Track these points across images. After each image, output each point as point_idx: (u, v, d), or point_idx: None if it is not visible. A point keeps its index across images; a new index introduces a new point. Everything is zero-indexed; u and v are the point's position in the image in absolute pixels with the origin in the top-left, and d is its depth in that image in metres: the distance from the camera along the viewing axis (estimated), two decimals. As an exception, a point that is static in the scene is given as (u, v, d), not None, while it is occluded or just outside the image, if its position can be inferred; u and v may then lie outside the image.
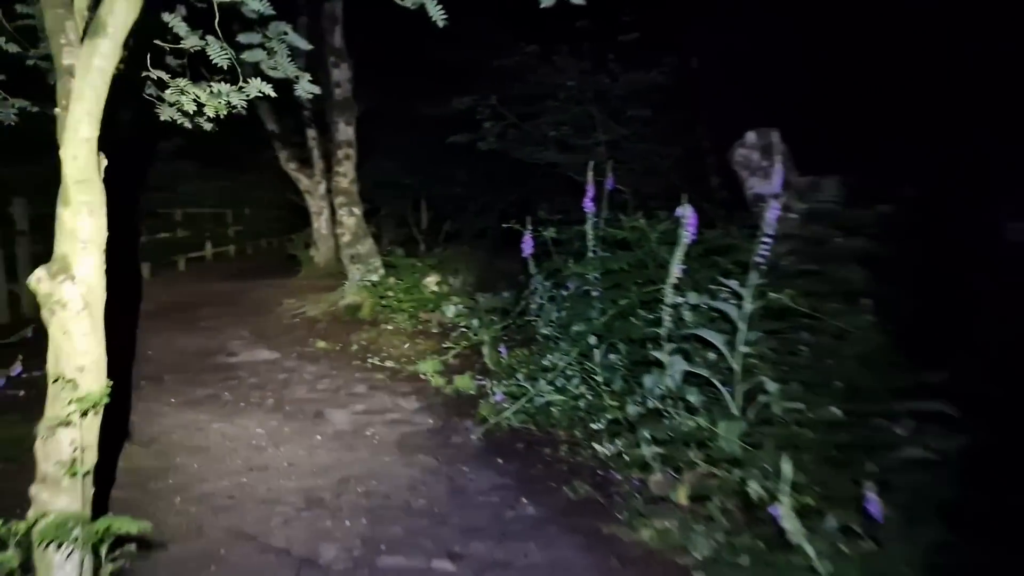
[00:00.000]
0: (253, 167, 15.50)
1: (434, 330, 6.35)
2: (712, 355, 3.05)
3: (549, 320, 4.78)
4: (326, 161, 10.23)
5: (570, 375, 3.95)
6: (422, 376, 4.92)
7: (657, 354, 3.00)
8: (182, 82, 2.53)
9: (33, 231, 6.75)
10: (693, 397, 2.83)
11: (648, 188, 7.52)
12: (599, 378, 3.81)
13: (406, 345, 5.84)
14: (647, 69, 7.46)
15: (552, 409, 3.81)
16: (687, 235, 2.90)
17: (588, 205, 4.11)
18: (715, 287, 3.20)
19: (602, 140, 7.17)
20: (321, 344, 5.93)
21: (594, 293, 4.06)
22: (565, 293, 4.61)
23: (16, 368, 3.99)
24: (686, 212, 2.89)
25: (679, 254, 2.91)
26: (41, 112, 5.73)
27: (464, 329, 5.88)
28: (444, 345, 5.54)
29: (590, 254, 4.13)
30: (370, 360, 5.36)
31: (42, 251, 6.92)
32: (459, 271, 8.14)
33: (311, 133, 10.18)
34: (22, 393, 4.02)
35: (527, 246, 5.05)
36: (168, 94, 2.59)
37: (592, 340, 3.83)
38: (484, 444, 3.58)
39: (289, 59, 3.31)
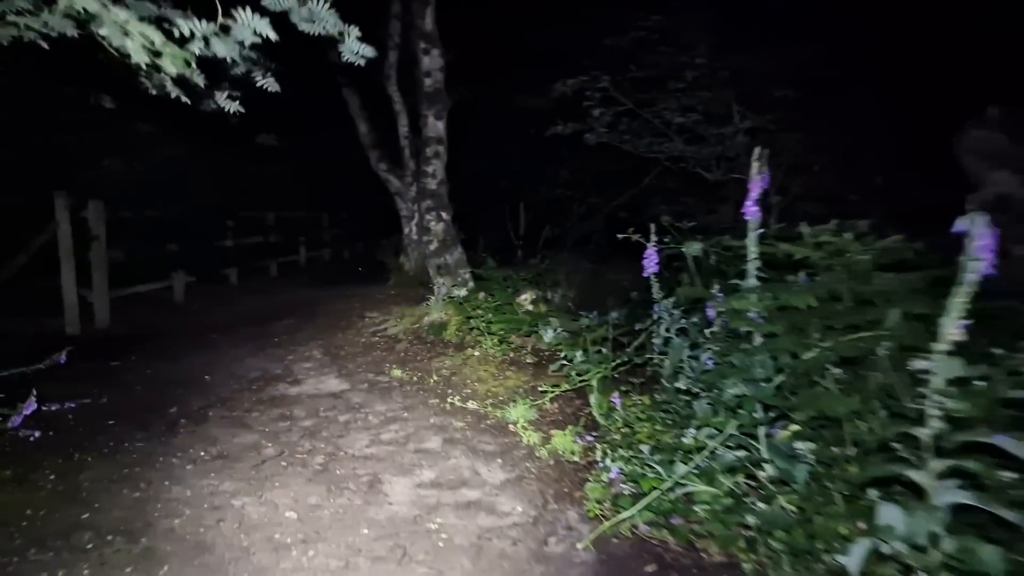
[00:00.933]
0: (352, 169, 15.31)
1: (528, 359, 5.28)
2: (1009, 476, 1.74)
3: (679, 363, 3.58)
4: (417, 161, 9.50)
5: (723, 459, 2.72)
6: (511, 427, 3.86)
7: (911, 473, 1.73)
8: (121, 15, 1.61)
9: (110, 236, 6.39)
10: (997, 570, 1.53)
11: (796, 188, 6.06)
12: (770, 470, 2.57)
13: (494, 379, 4.81)
14: (799, 41, 5.99)
15: (697, 509, 2.61)
16: (978, 266, 1.61)
17: (751, 210, 2.86)
18: (1002, 353, 1.89)
19: (741, 127, 5.80)
20: (397, 372, 5.03)
21: (757, 338, 2.80)
22: (709, 332, 3.37)
23: (30, 404, 3.33)
24: (977, 226, 1.61)
25: (961, 299, 1.63)
26: (121, 107, 5.20)
27: (565, 362, 4.76)
28: (540, 386, 4.45)
29: (751, 280, 2.87)
30: (450, 399, 4.37)
31: (120, 257, 6.52)
32: (558, 284, 7.05)
33: (403, 131, 9.47)
34: (36, 435, 3.36)
35: (650, 262, 3.88)
36: (109, 31, 1.68)
37: (757, 411, 2.59)
38: (596, 561, 2.44)
39: (327, 5, 2.35)
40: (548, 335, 5.49)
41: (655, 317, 4.00)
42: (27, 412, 3.28)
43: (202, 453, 3.33)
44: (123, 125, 6.58)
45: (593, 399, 3.86)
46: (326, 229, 13.78)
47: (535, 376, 4.81)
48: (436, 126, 7.06)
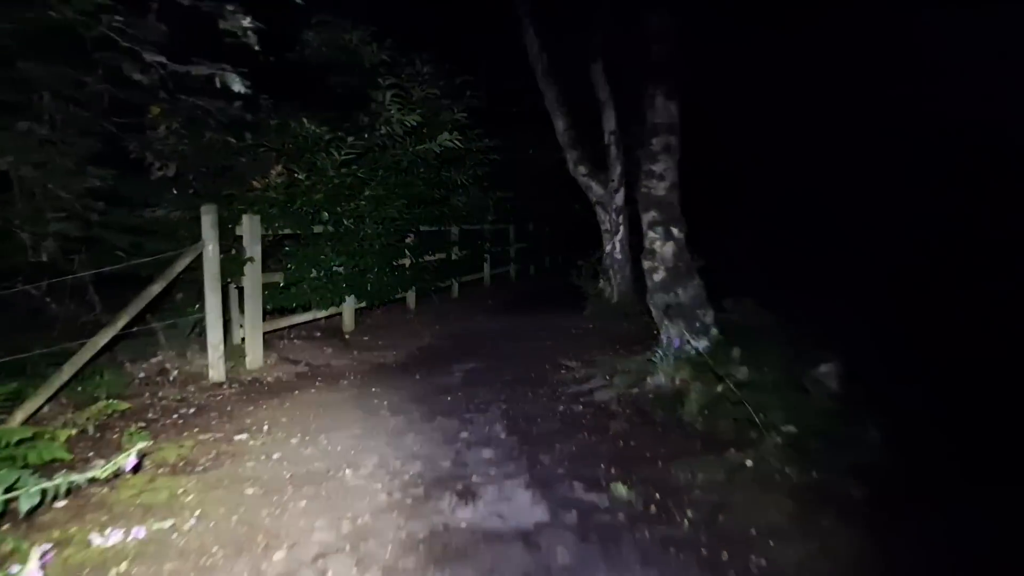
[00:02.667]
0: (541, 175, 13.84)
1: (852, 489, 3.04)
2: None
3: None
4: (627, 161, 7.58)
5: None
6: None
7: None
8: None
9: (266, 256, 5.38)
10: None
11: None
12: None
13: (803, 533, 2.68)
14: None
15: None
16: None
17: None
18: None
19: None
20: (621, 490, 3.13)
21: None
22: None
23: (42, 551, 1.95)
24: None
25: None
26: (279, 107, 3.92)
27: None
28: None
29: None
30: (733, 580, 2.34)
31: (280, 281, 5.40)
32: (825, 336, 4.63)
33: (608, 126, 7.63)
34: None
35: None
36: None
37: None
38: None
39: None
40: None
41: None
42: (42, 559, 1.90)
43: None
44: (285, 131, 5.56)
45: None
46: (512, 244, 12.43)
47: (878, 534, 2.59)
48: (667, 108, 5.06)
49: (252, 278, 5.15)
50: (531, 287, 11.68)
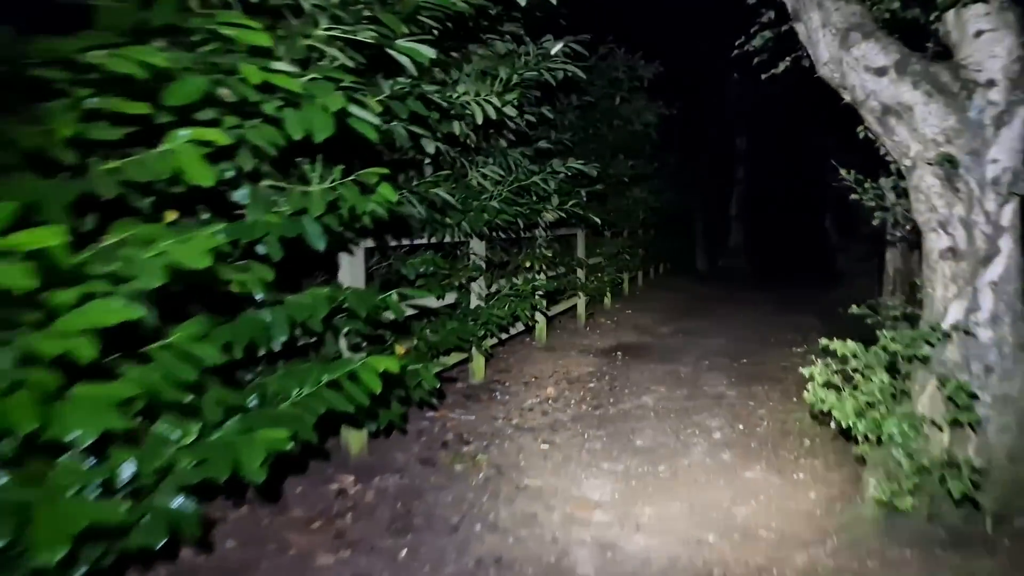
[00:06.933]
0: (625, 143, 8.90)
1: None
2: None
3: None
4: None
5: None
6: None
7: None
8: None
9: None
10: None
11: None
12: None
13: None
14: None
15: None
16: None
17: None
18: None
19: None
20: None
21: None
22: None
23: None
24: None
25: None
26: None
27: None
28: None
29: None
30: None
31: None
32: None
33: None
34: None
35: None
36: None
37: None
38: None
39: None
40: None
41: None
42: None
43: None
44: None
45: None
46: (582, 263, 7.54)
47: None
48: None
49: None
50: (619, 332, 6.86)
